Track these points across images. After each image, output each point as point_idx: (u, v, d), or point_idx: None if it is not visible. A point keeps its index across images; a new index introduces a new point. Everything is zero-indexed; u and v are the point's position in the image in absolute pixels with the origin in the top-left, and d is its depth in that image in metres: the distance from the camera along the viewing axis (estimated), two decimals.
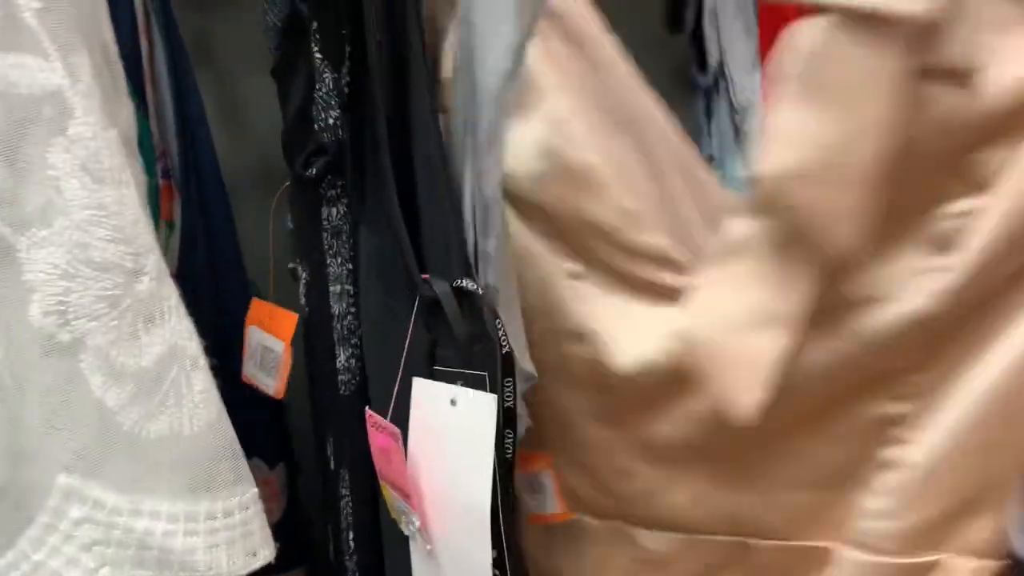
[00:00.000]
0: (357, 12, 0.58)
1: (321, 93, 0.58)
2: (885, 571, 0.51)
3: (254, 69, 0.64)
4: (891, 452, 0.51)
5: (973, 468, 0.48)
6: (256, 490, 0.55)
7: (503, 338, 0.57)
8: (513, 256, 0.53)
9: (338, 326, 0.64)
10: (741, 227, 0.46)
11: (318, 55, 0.58)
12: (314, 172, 0.59)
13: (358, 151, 0.60)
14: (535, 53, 0.49)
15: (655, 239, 0.51)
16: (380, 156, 0.57)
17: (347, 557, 0.71)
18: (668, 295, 0.52)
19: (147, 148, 0.71)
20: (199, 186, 0.71)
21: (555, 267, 0.54)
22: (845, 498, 0.53)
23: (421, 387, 0.56)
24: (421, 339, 0.56)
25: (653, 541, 0.59)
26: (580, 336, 0.54)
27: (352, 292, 0.63)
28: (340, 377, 0.66)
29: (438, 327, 0.56)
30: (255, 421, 0.79)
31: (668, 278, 0.52)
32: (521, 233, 0.54)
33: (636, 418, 0.55)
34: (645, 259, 0.52)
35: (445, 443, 0.56)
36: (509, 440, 0.59)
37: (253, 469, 0.80)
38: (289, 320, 0.63)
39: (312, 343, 0.66)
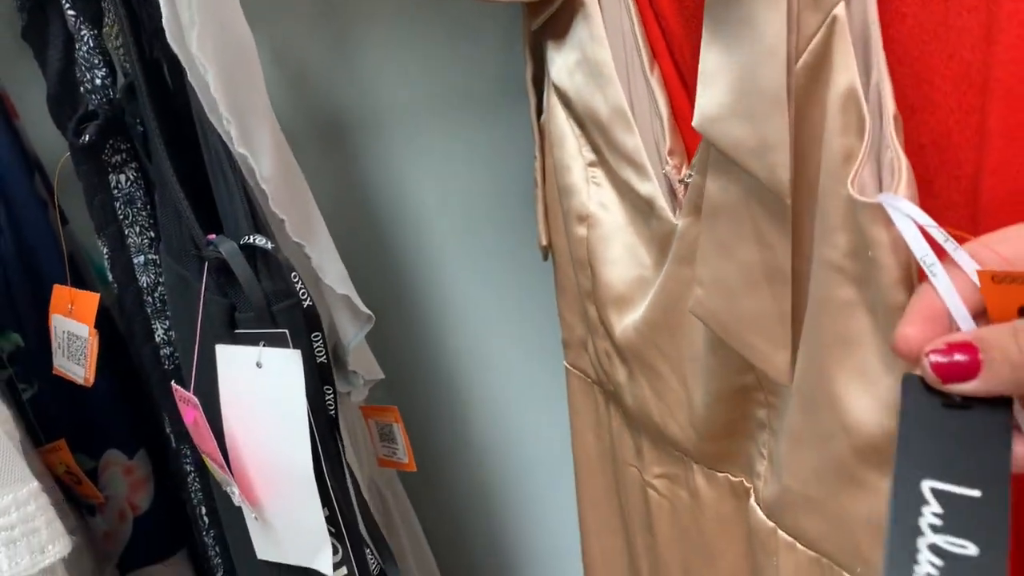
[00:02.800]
0: None
1: (82, 53, 0.54)
2: (759, 524, 0.52)
3: None
4: (761, 413, 0.51)
5: (807, 450, 0.46)
6: (36, 484, 0.51)
7: (303, 292, 0.54)
8: (551, 137, 0.59)
9: (149, 299, 0.61)
10: (710, 187, 0.45)
11: (71, 12, 0.54)
12: (88, 139, 0.56)
13: (135, 110, 0.57)
14: None
15: (633, 140, 0.53)
16: (147, 111, 0.53)
17: (204, 533, 0.69)
18: (639, 201, 0.54)
19: None
20: None
21: (577, 152, 0.58)
22: (745, 446, 0.54)
23: (225, 353, 0.54)
24: (216, 304, 0.53)
25: (633, 435, 0.63)
26: (585, 218, 0.59)
27: (157, 262, 0.60)
28: (162, 352, 0.63)
29: (235, 290, 0.53)
30: (104, 411, 0.76)
31: (637, 182, 0.54)
32: (559, 116, 0.58)
33: (612, 311, 0.58)
34: (624, 159, 0.54)
35: (257, 407, 0.54)
36: (330, 396, 0.56)
37: (111, 460, 0.79)
38: (90, 301, 0.60)
39: (129, 322, 0.63)
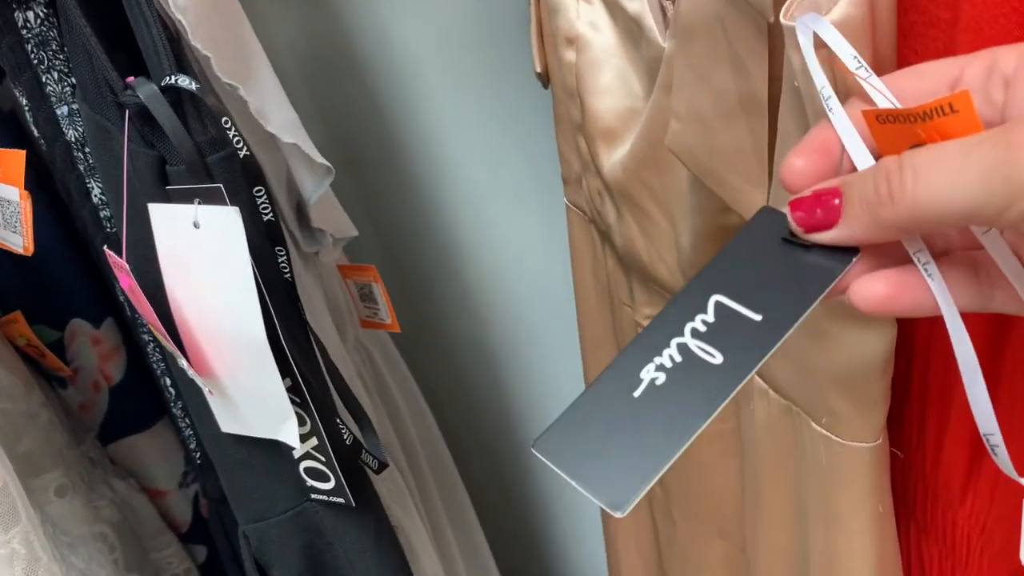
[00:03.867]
0: None
1: None
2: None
3: None
4: None
5: None
6: None
7: (237, 140, 0.48)
8: None
9: (80, 155, 0.55)
10: (684, 5, 0.40)
11: None
12: None
13: None
14: None
15: None
16: None
17: (172, 404, 0.65)
18: (629, 21, 0.49)
19: None
20: None
21: None
22: None
23: (159, 212, 0.48)
24: (142, 157, 0.47)
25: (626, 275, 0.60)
26: (573, 41, 0.53)
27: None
28: (102, 213, 0.57)
29: (163, 140, 0.47)
30: (60, 279, 0.71)
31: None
32: None
33: (601, 145, 0.54)
34: None
35: (199, 271, 0.48)
36: (283, 258, 0.51)
37: (76, 330, 0.75)
38: (16, 160, 0.53)
39: (62, 181, 0.57)
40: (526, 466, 1.05)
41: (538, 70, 0.60)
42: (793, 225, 0.29)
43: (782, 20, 0.31)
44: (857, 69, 0.28)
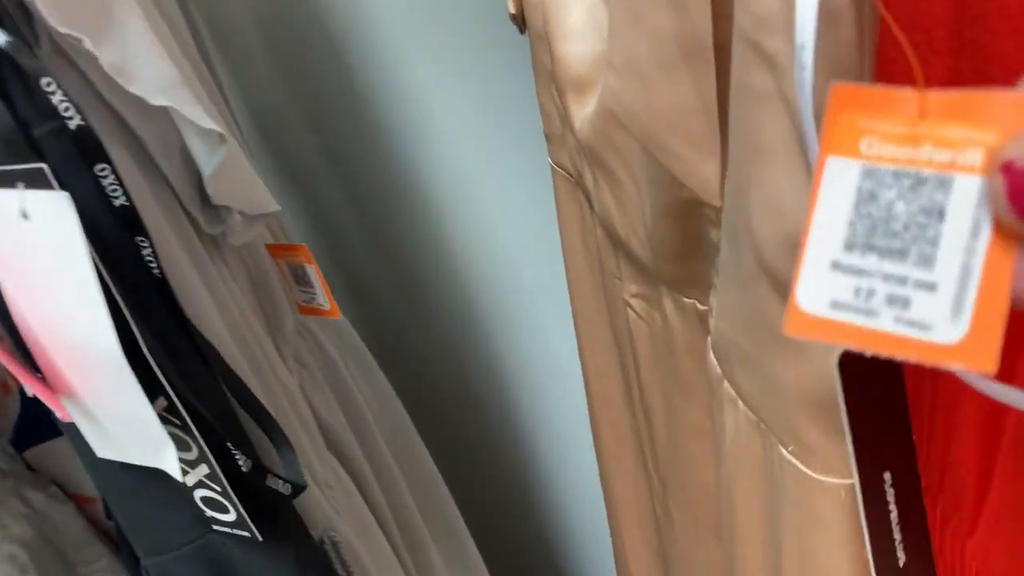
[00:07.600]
0: None
1: None
2: (712, 368, 0.43)
3: None
4: (715, 234, 0.40)
5: (734, 291, 0.35)
6: None
7: (65, 108, 0.38)
8: None
9: None
10: None
11: None
12: None
13: None
14: None
15: None
16: None
17: None
18: None
19: None
20: None
21: None
22: (705, 270, 0.44)
23: None
24: None
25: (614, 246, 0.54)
26: None
27: None
28: None
29: None
30: None
31: None
32: None
33: (572, 97, 0.48)
34: None
35: (35, 272, 0.39)
36: (146, 249, 0.41)
37: None
38: None
39: None
40: (522, 444, 0.98)
41: (511, 11, 0.53)
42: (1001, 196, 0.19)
43: None
44: None
